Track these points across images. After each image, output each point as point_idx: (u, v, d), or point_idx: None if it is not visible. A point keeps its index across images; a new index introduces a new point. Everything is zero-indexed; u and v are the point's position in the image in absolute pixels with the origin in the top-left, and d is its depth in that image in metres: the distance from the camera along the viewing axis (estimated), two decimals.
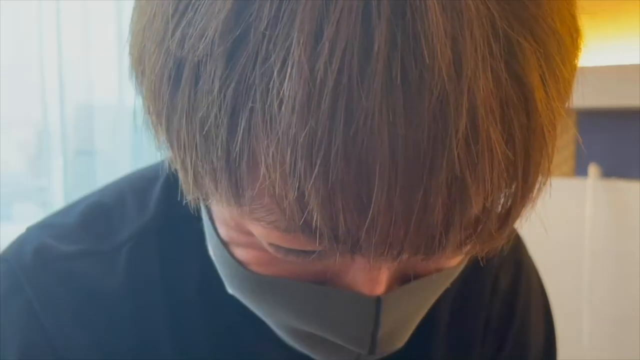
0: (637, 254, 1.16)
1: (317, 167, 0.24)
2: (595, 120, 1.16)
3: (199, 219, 0.45)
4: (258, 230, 0.30)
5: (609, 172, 1.19)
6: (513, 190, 0.27)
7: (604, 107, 1.11)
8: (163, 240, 0.45)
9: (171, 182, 0.47)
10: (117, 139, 1.68)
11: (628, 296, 1.18)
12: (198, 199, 0.33)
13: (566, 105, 0.29)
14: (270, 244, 0.31)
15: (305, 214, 0.26)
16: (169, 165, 0.49)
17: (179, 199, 0.46)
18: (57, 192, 1.59)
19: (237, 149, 0.26)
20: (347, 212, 0.25)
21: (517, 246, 0.56)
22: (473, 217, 0.27)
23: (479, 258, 0.31)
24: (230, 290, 0.39)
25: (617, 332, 1.20)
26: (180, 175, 0.32)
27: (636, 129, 1.16)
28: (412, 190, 0.25)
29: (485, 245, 0.29)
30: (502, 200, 0.27)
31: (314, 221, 0.26)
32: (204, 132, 0.27)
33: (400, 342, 0.35)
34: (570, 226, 1.21)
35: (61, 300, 0.42)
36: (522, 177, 0.27)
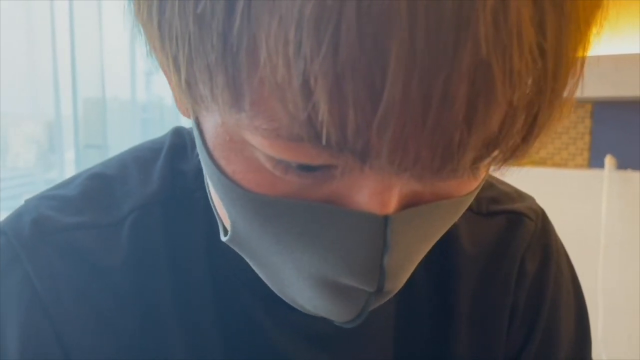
0: None
1: (324, 45, 0.21)
2: (611, 111, 1.16)
3: (203, 188, 0.43)
4: (258, 141, 0.27)
5: (624, 164, 1.18)
6: (540, 88, 0.23)
7: (619, 97, 1.10)
8: (167, 213, 0.43)
9: (175, 153, 0.46)
10: (128, 133, 1.68)
11: None
12: (194, 113, 0.30)
13: None
14: (270, 158, 0.28)
15: (310, 108, 0.23)
16: (171, 138, 0.47)
17: (182, 161, 0.45)
18: None
19: (235, 32, 0.23)
20: (358, 102, 0.22)
21: (545, 230, 0.52)
22: (497, 119, 0.23)
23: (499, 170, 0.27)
24: (232, 228, 0.35)
25: (632, 325, 1.19)
26: (173, 82, 0.28)
27: None
28: (431, 75, 0.21)
29: (507, 161, 0.26)
30: (527, 102, 0.23)
31: (319, 118, 0.23)
32: (197, 16, 0.24)
33: (403, 280, 0.32)
34: (585, 218, 1.20)
35: (61, 275, 0.40)
36: (552, 72, 0.23)
